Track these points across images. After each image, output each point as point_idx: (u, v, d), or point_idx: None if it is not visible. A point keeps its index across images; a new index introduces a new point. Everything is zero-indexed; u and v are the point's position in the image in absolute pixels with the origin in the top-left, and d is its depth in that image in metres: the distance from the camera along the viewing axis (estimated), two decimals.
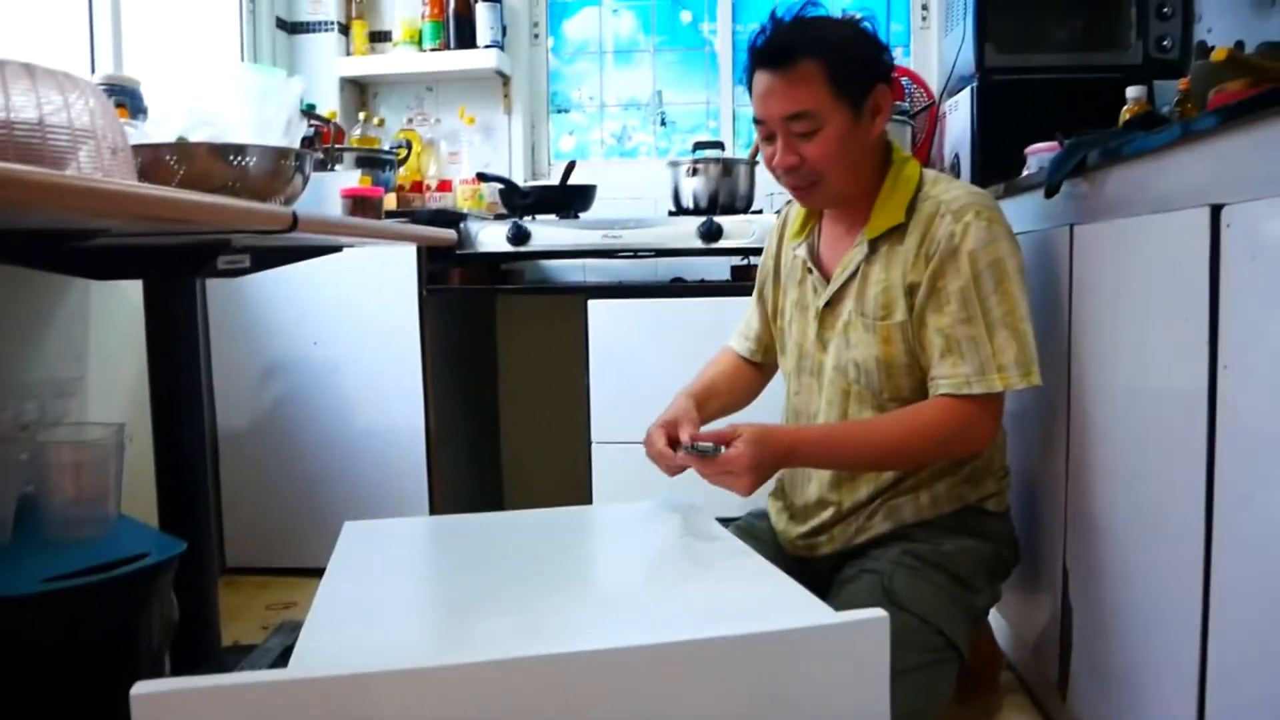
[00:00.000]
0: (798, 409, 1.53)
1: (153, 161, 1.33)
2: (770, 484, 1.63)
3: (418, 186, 2.84)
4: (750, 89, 1.39)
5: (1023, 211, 1.74)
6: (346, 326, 2.44)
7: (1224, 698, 1.04)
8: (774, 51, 1.34)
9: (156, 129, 1.52)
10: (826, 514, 1.45)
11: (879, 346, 1.38)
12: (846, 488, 1.44)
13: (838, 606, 1.15)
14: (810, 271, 1.49)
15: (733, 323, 1.73)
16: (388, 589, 1.12)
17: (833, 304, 1.45)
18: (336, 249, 2.00)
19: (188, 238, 1.45)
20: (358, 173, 2.35)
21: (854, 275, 1.42)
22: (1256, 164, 1.01)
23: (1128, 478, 1.27)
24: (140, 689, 0.78)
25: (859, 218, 1.43)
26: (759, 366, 1.67)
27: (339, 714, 0.81)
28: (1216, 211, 1.03)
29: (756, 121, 1.40)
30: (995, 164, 2.23)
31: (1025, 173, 1.86)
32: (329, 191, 1.92)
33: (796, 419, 1.53)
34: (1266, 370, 0.96)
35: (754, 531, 1.54)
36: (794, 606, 1.02)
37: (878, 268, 1.39)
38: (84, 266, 1.54)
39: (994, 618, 1.84)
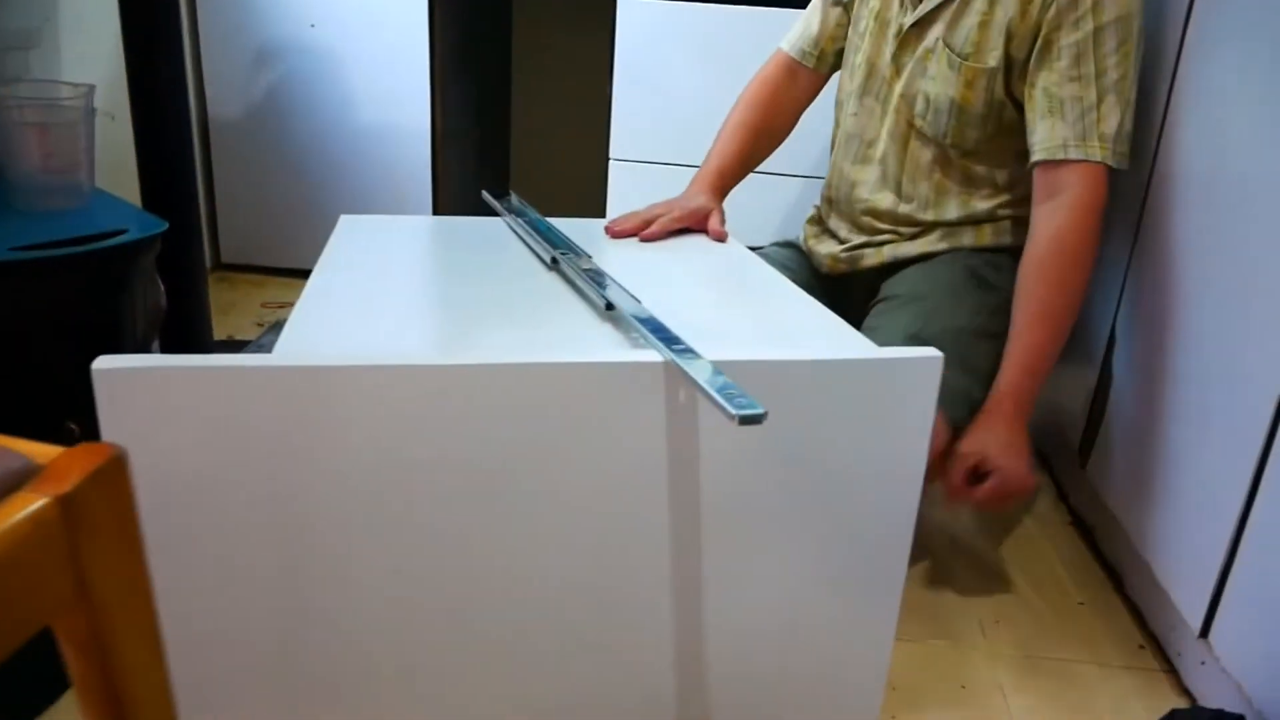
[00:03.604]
0: (851, 132, 1.39)
1: None
2: (810, 208, 1.53)
3: None
4: None
5: None
6: (347, 8, 2.21)
7: (1274, 509, 0.96)
8: None
9: None
10: (882, 224, 1.37)
11: (959, 87, 1.25)
12: (902, 222, 1.34)
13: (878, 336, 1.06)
14: None
15: (777, 40, 1.54)
16: (382, 285, 1.02)
17: (920, 26, 1.29)
18: None
19: None
20: None
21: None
22: None
23: (1211, 253, 1.14)
24: (102, 363, 0.69)
25: None
26: (810, 76, 1.49)
27: (316, 405, 0.72)
28: None
29: None
30: None
31: None
32: None
33: (848, 144, 1.39)
34: None
35: (780, 259, 1.44)
36: (834, 336, 0.93)
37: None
38: None
39: None
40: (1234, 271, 1.07)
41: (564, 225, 1.24)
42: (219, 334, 1.92)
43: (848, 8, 1.43)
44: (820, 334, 0.94)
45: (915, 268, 1.34)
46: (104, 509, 0.39)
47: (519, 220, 1.23)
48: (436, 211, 2.31)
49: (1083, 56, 1.17)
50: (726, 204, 1.42)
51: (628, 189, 2.14)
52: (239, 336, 2.00)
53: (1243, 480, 1.00)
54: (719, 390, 0.69)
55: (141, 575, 0.41)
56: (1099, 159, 1.17)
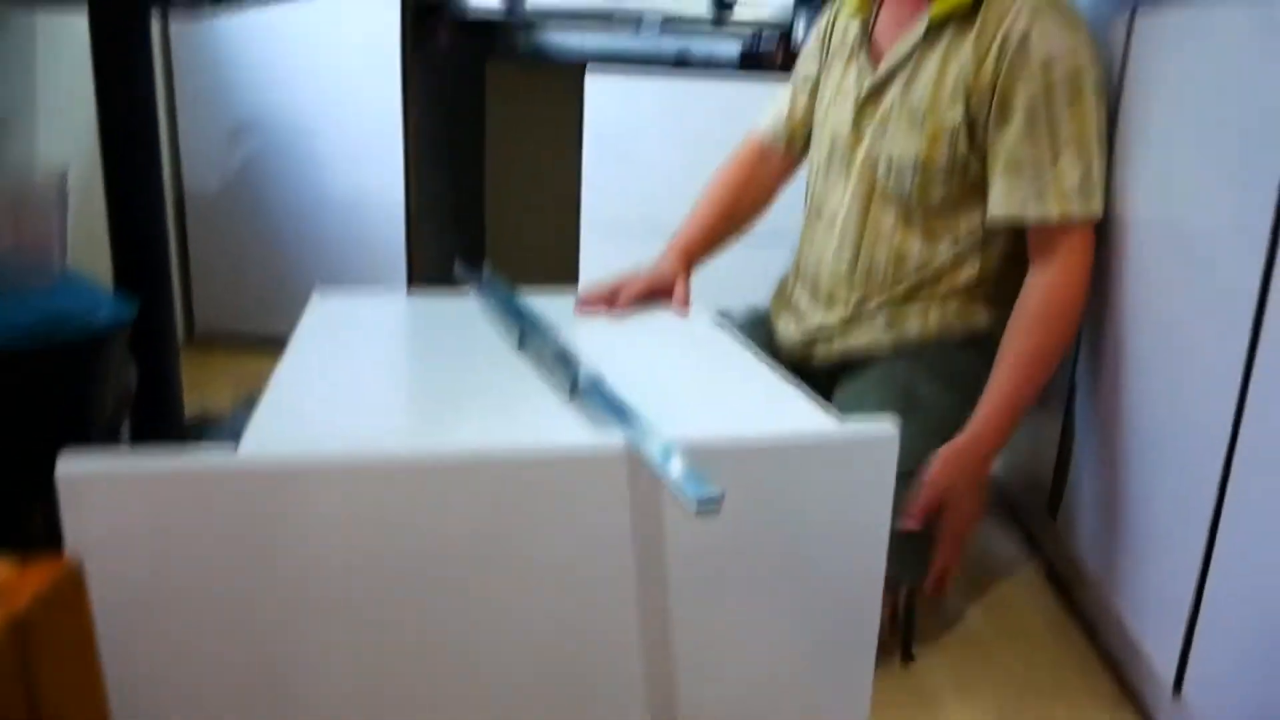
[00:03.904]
0: (817, 203, 1.42)
1: None
2: (775, 286, 1.55)
3: None
4: None
5: None
6: (323, 86, 2.25)
7: (1236, 541, 0.98)
8: None
9: None
10: (833, 313, 1.37)
11: (924, 145, 1.26)
12: (857, 287, 1.35)
13: (846, 407, 1.08)
14: (859, 50, 1.35)
15: (741, 112, 1.59)
16: (354, 368, 1.03)
17: (877, 91, 1.32)
18: None
19: None
20: None
21: (906, 62, 1.29)
22: None
23: (1160, 299, 1.17)
24: (66, 466, 0.70)
25: (923, 3, 1.27)
26: (785, 155, 1.53)
27: (281, 502, 0.73)
28: None
29: None
30: None
31: None
32: None
33: (817, 216, 1.42)
34: None
35: (749, 328, 1.46)
36: (796, 413, 0.94)
37: (934, 58, 1.26)
38: None
39: None
40: (1183, 317, 1.10)
41: (536, 298, 1.25)
42: (191, 409, 1.91)
43: (814, 91, 1.47)
44: (785, 409, 0.96)
45: (860, 384, 1.33)
46: (57, 628, 0.39)
47: (491, 295, 1.25)
48: (411, 281, 2.33)
49: (1037, 114, 1.18)
50: (709, 266, 1.46)
51: (600, 257, 2.18)
52: (212, 412, 2.00)
53: (1200, 531, 1.02)
54: (677, 476, 0.71)
55: (96, 694, 0.42)
56: (1055, 216, 1.19)
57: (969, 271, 1.31)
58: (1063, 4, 1.21)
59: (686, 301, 1.33)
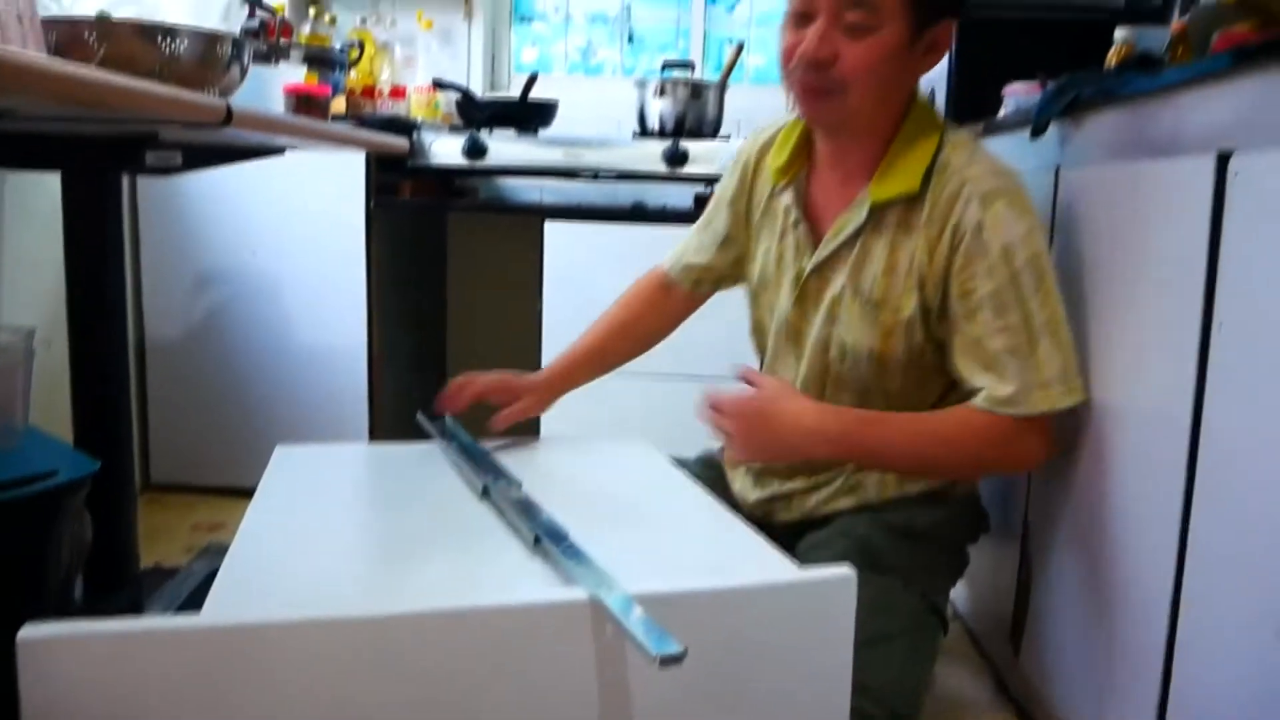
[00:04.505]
0: (770, 368, 1.40)
1: (68, 38, 1.19)
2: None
3: (369, 91, 2.68)
4: None
5: (1004, 152, 1.65)
6: (287, 237, 2.31)
7: (1192, 668, 1.00)
8: None
9: (77, 4, 1.38)
10: (792, 483, 1.34)
11: (878, 339, 1.22)
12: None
13: (807, 560, 1.08)
14: (797, 225, 1.29)
15: None
16: (319, 522, 1.04)
17: (821, 270, 1.26)
18: (278, 151, 1.87)
19: (111, 127, 1.31)
20: (304, 70, 2.20)
21: (851, 242, 1.23)
22: (1272, 111, 0.95)
23: (1102, 434, 1.22)
24: (28, 633, 0.69)
25: (862, 165, 1.23)
26: (685, 298, 1.50)
27: (250, 664, 0.73)
28: (1224, 160, 0.96)
29: None
30: (970, 102, 2.17)
31: (1002, 112, 1.80)
32: (272, 88, 1.79)
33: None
34: (1267, 332, 0.90)
35: (706, 476, 1.46)
36: (755, 560, 0.96)
37: (882, 243, 1.20)
38: None
39: None
40: (1126, 459, 1.14)
41: (497, 447, 1.27)
42: (147, 559, 1.88)
43: (740, 260, 1.43)
44: (745, 555, 0.98)
45: (820, 539, 1.27)
46: None
47: (452, 445, 1.26)
48: (373, 429, 2.34)
49: (1006, 306, 1.13)
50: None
51: (561, 401, 2.20)
52: (167, 563, 1.96)
53: (1155, 670, 1.04)
54: (639, 631, 0.72)
55: None
56: (1042, 410, 1.13)
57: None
58: (1010, 186, 1.17)
59: (503, 422, 1.35)
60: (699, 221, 1.49)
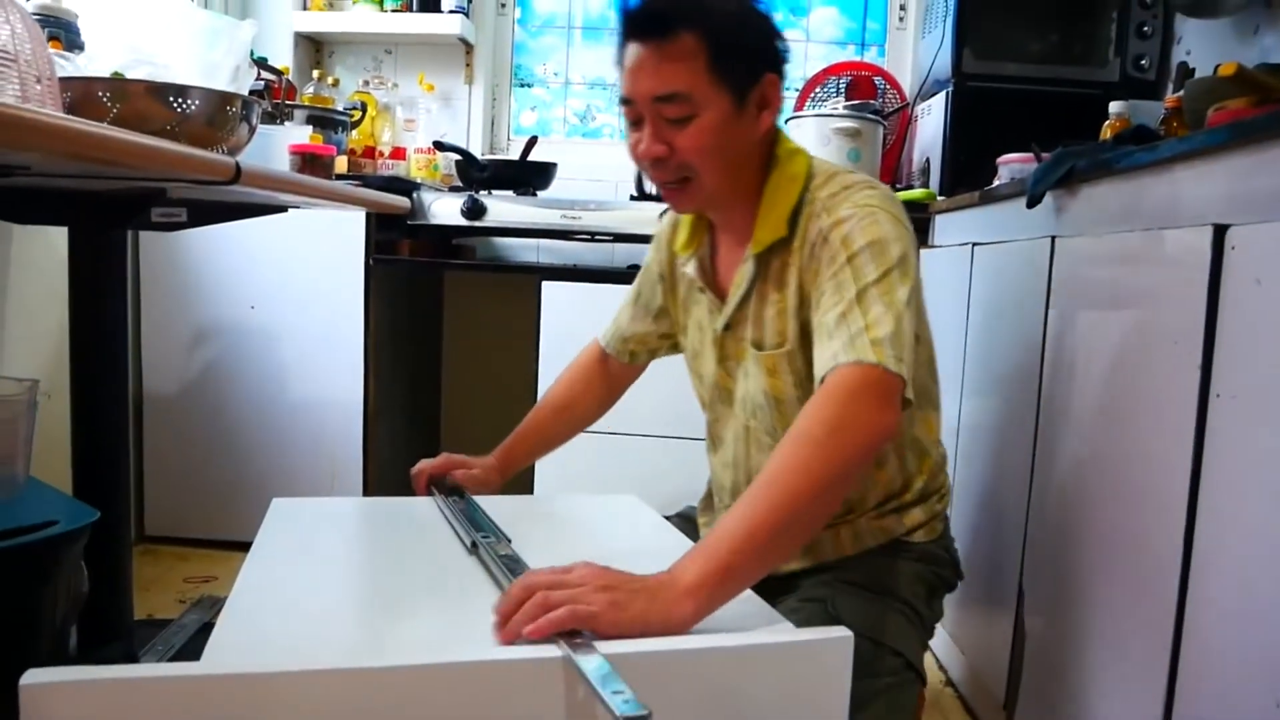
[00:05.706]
0: (716, 435, 1.39)
1: (84, 97, 1.22)
2: (702, 489, 1.48)
3: (370, 152, 2.73)
4: (620, 61, 1.16)
5: (998, 221, 1.71)
6: (287, 292, 2.33)
7: None
8: (647, 18, 1.13)
9: (91, 64, 1.41)
10: None
11: (765, 378, 1.22)
12: None
13: None
14: (703, 291, 1.30)
15: None
16: (314, 576, 1.04)
17: (732, 328, 1.27)
18: (281, 209, 1.90)
19: (119, 184, 1.34)
20: (308, 130, 2.24)
21: (748, 296, 1.23)
22: (1268, 184, 0.98)
23: (1100, 504, 1.23)
24: (30, 678, 0.70)
25: (746, 224, 1.23)
26: (622, 369, 1.52)
27: (245, 713, 0.73)
28: (1221, 232, 0.99)
29: (623, 101, 1.17)
30: (966, 172, 2.22)
31: (997, 182, 1.84)
32: (276, 147, 1.82)
33: (716, 447, 1.39)
34: (1263, 402, 0.92)
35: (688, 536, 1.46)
36: (751, 619, 0.96)
37: (771, 287, 1.21)
38: (2, 207, 1.42)
39: (939, 635, 1.81)
40: (1121, 519, 1.15)
41: (490, 503, 1.28)
42: (140, 612, 1.87)
43: (673, 331, 1.43)
44: (742, 614, 0.98)
45: (783, 605, 1.16)
46: None
47: (445, 500, 1.27)
48: (367, 482, 2.34)
49: (843, 284, 1.09)
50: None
51: (554, 457, 2.20)
52: (159, 615, 1.95)
53: None
54: (607, 692, 0.73)
55: None
56: (873, 359, 1.01)
57: (873, 492, 1.24)
58: (860, 190, 1.16)
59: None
60: (629, 295, 1.51)
